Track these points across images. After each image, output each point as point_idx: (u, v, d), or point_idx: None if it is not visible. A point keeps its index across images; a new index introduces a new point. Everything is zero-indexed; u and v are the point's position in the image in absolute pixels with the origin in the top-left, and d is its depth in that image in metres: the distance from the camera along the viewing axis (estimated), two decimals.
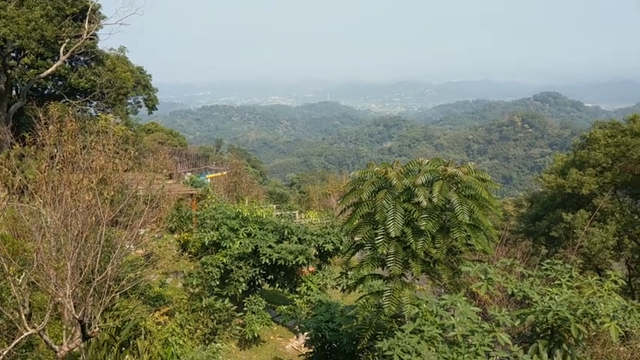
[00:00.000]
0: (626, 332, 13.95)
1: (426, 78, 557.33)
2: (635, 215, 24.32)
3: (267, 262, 18.81)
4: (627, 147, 24.20)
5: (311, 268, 20.97)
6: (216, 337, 16.82)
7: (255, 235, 19.73)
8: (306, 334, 14.25)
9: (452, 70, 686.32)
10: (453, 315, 8.59)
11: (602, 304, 8.44)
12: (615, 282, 10.14)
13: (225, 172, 47.38)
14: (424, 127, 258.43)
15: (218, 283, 19.28)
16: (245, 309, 19.05)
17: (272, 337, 20.42)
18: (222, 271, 19.32)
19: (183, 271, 21.74)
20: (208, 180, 41.23)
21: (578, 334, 8.23)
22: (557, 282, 9.47)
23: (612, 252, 23.57)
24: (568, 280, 9.40)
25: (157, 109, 53.52)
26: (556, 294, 8.77)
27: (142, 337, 14.65)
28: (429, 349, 8.00)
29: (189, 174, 41.51)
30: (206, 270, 19.15)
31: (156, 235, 18.40)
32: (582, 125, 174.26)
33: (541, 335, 8.79)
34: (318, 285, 19.95)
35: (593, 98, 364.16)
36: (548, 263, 9.92)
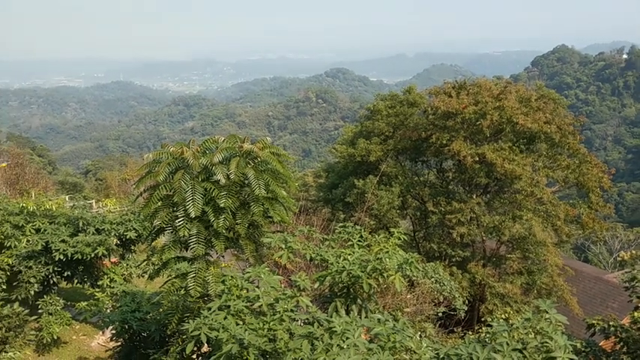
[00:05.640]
0: (412, 281, 15.79)
1: (223, 56, 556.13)
2: (415, 177, 27.25)
3: (62, 257, 17.35)
4: (405, 116, 26.93)
5: (113, 259, 19.91)
6: (7, 346, 15.15)
7: (45, 231, 18.07)
8: (111, 327, 13.54)
9: (247, 48, 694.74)
10: (258, 286, 8.83)
11: (388, 259, 9.37)
12: (399, 238, 11.37)
13: (4, 164, 42.19)
14: (225, 105, 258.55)
15: (5, 287, 17.42)
16: (40, 311, 17.44)
17: (74, 337, 19.05)
18: (9, 273, 17.47)
19: None
20: None
21: (370, 288, 9.04)
22: (350, 243, 10.28)
23: (398, 211, 26.16)
24: (359, 240, 10.25)
25: None
26: (349, 254, 9.51)
27: None
28: (237, 323, 8.14)
29: None
30: None
31: None
32: (369, 98, 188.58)
33: (338, 294, 9.47)
34: (122, 275, 19.02)
35: (377, 73, 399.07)
36: (341, 226, 10.71)
